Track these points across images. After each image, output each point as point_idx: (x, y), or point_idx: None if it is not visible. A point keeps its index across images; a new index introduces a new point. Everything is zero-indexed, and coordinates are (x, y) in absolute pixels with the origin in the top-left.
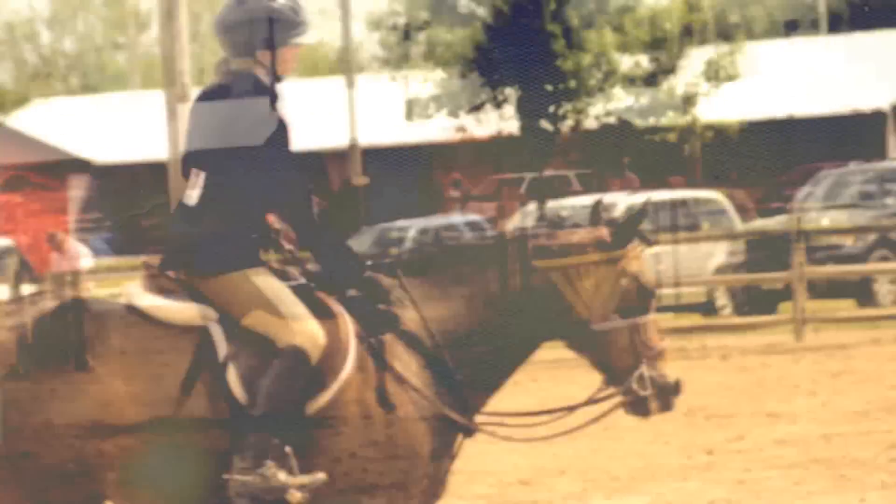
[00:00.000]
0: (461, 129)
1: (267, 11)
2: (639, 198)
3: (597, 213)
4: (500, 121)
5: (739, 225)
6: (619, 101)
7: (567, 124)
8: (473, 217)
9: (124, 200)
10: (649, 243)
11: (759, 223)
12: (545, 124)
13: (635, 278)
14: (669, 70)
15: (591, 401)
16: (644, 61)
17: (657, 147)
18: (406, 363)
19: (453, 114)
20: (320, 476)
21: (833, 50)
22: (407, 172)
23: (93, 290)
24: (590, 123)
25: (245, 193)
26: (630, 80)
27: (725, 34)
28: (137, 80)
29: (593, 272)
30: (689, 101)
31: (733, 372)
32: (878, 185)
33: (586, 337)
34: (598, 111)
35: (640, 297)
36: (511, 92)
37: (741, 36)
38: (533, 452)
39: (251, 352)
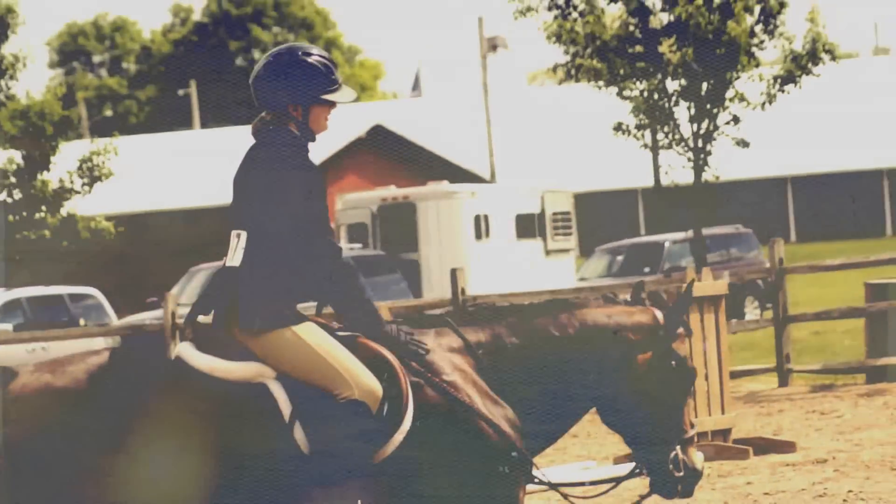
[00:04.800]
0: None
1: (301, 67)
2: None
3: (639, 295)
4: None
5: (115, 320)
6: None
7: None
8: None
9: None
10: (690, 333)
11: (135, 318)
12: None
13: (683, 362)
14: (43, 166)
15: (632, 475)
16: (17, 157)
17: (32, 244)
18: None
19: None
20: None
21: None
22: None
23: None
24: None
25: (285, 250)
26: (3, 175)
27: (100, 130)
28: None
29: (647, 351)
30: (61, 196)
31: None
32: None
33: (628, 414)
34: None
35: (684, 381)
36: None
37: (114, 132)
38: None
39: (314, 406)
